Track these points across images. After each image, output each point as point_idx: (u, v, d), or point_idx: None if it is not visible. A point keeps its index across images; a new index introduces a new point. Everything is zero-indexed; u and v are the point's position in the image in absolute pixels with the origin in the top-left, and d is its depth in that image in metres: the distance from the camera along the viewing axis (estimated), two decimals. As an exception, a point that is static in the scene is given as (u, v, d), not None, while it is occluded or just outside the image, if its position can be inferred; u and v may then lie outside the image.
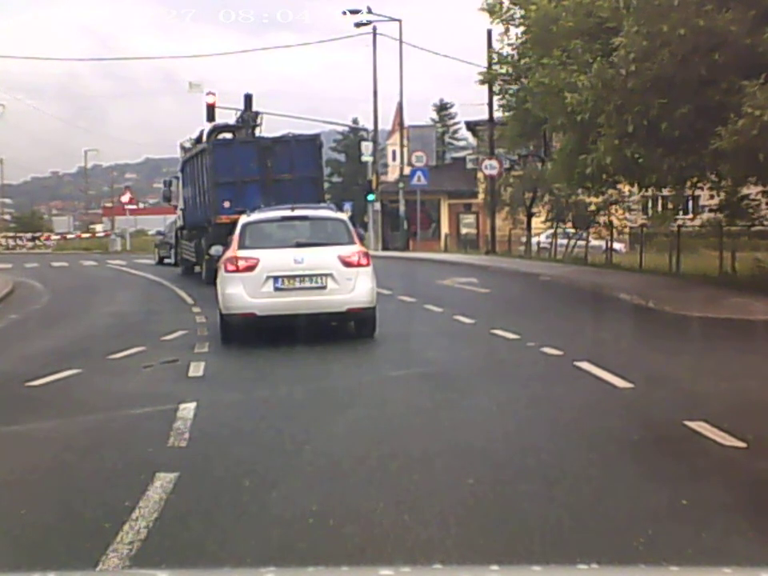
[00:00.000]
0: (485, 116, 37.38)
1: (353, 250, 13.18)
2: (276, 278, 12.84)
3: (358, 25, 42.12)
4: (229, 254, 13.50)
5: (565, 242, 34.08)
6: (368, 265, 13.17)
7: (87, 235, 65.02)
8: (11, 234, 67.07)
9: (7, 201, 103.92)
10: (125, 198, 60.20)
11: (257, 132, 25.50)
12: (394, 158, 52.36)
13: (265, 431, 7.97)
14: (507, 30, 27.23)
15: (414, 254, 37.43)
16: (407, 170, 43.81)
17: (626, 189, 28.85)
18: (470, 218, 51.02)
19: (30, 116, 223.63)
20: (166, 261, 34.08)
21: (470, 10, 34.40)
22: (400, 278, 23.78)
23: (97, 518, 5.74)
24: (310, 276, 12.87)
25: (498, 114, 34.85)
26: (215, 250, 21.45)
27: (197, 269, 26.20)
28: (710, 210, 24.49)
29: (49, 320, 18.06)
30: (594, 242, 31.08)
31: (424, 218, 45.79)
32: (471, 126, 50.54)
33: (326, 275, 12.88)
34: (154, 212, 67.82)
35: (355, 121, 69.85)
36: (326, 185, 33.09)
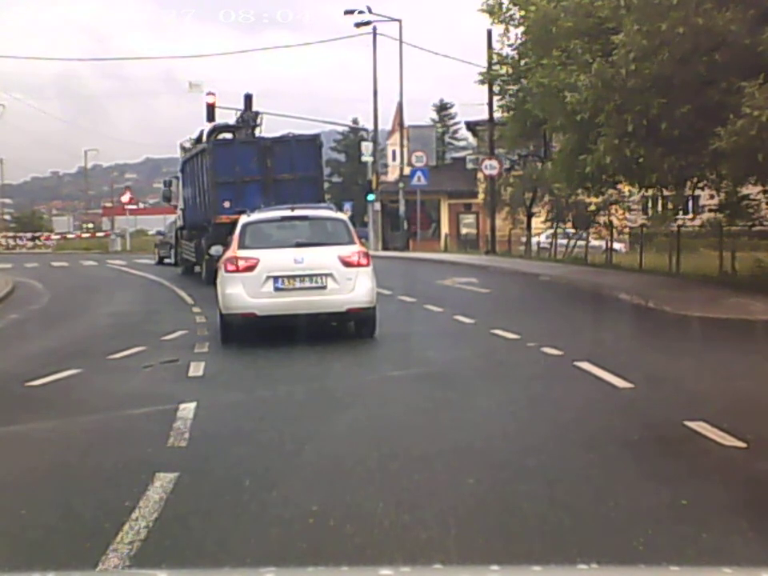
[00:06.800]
0: (485, 116, 37.40)
1: (353, 250, 13.18)
2: (276, 278, 12.84)
3: (358, 25, 42.12)
4: (229, 253, 13.50)
5: (565, 241, 34.08)
6: (368, 265, 13.17)
7: (87, 235, 64.99)
8: (11, 234, 67.02)
9: (7, 201, 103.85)
10: (125, 198, 60.17)
11: (257, 132, 25.48)
12: (393, 158, 52.35)
13: (265, 431, 7.97)
14: (507, 31, 27.24)
15: (414, 254, 37.41)
16: (407, 170, 43.82)
17: (626, 189, 28.83)
18: (470, 218, 51.02)
19: (30, 116, 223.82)
20: (166, 261, 34.06)
21: (470, 10, 34.41)
22: (400, 277, 23.77)
23: (97, 517, 5.74)
24: (310, 276, 12.87)
25: (497, 114, 34.86)
26: (215, 249, 21.50)
27: (197, 269, 26.19)
28: (710, 210, 24.46)
29: (49, 320, 18.05)
30: (594, 242, 31.06)
31: (424, 217, 45.79)
32: (471, 126, 50.55)
33: (326, 275, 12.88)
34: (154, 212, 67.89)
35: (355, 121, 69.91)
36: (326, 185, 33.09)
